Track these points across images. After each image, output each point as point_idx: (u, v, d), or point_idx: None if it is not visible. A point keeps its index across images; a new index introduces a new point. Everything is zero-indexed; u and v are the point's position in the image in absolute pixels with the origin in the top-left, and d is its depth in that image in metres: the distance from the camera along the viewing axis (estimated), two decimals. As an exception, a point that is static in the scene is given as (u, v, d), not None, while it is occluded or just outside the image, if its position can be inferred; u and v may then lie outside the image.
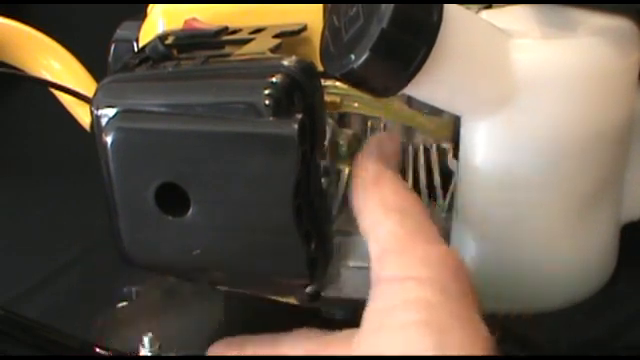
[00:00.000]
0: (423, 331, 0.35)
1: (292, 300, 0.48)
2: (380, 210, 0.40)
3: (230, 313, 0.56)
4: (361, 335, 0.37)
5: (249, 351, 0.44)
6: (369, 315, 0.38)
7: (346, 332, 0.39)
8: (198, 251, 0.40)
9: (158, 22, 0.49)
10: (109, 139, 0.40)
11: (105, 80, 0.41)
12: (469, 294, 0.37)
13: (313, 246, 0.40)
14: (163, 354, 0.52)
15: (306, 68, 0.39)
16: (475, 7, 0.44)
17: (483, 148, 0.42)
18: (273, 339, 0.43)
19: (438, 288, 0.36)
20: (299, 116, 0.37)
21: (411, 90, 0.40)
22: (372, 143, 0.43)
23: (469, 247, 0.45)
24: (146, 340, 0.52)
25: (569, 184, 0.43)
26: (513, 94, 0.41)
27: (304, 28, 0.46)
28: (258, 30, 0.45)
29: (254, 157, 0.38)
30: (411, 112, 0.46)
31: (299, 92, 0.38)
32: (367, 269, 0.41)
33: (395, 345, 0.35)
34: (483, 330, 0.36)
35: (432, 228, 0.39)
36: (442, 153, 0.47)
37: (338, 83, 0.43)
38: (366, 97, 0.42)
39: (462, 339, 0.35)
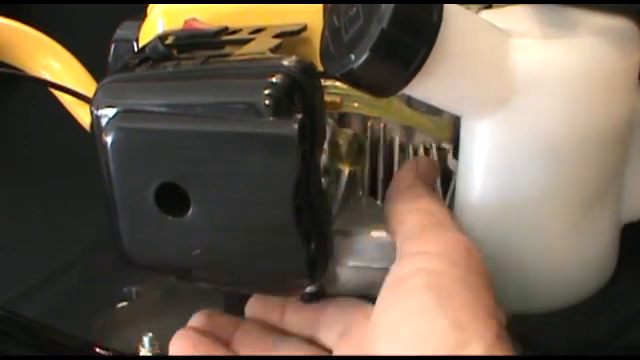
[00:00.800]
0: (424, 292, 0.36)
1: (292, 300, 0.48)
2: (405, 211, 0.41)
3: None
4: (376, 304, 0.39)
5: (289, 313, 0.46)
6: (383, 286, 0.39)
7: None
8: (198, 251, 0.40)
9: (158, 22, 0.49)
10: (109, 139, 0.40)
11: (105, 80, 0.41)
12: (481, 274, 0.38)
13: (313, 246, 0.40)
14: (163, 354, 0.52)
15: (306, 68, 0.39)
16: (475, 7, 0.44)
17: (483, 148, 0.42)
18: (318, 306, 0.45)
19: (447, 260, 0.37)
20: (299, 116, 0.37)
21: (411, 90, 0.40)
22: (411, 161, 0.45)
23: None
24: (146, 340, 0.53)
25: (569, 184, 0.43)
26: (513, 94, 0.41)
27: (304, 28, 0.46)
28: (258, 30, 0.45)
29: (254, 157, 0.38)
30: (411, 112, 0.46)
31: (299, 92, 0.38)
32: (366, 269, 0.41)
33: (401, 309, 0.37)
34: (488, 300, 0.37)
35: (455, 224, 0.40)
36: (442, 153, 0.47)
37: (338, 83, 0.43)
38: (366, 97, 0.42)
39: (464, 302, 0.36)
